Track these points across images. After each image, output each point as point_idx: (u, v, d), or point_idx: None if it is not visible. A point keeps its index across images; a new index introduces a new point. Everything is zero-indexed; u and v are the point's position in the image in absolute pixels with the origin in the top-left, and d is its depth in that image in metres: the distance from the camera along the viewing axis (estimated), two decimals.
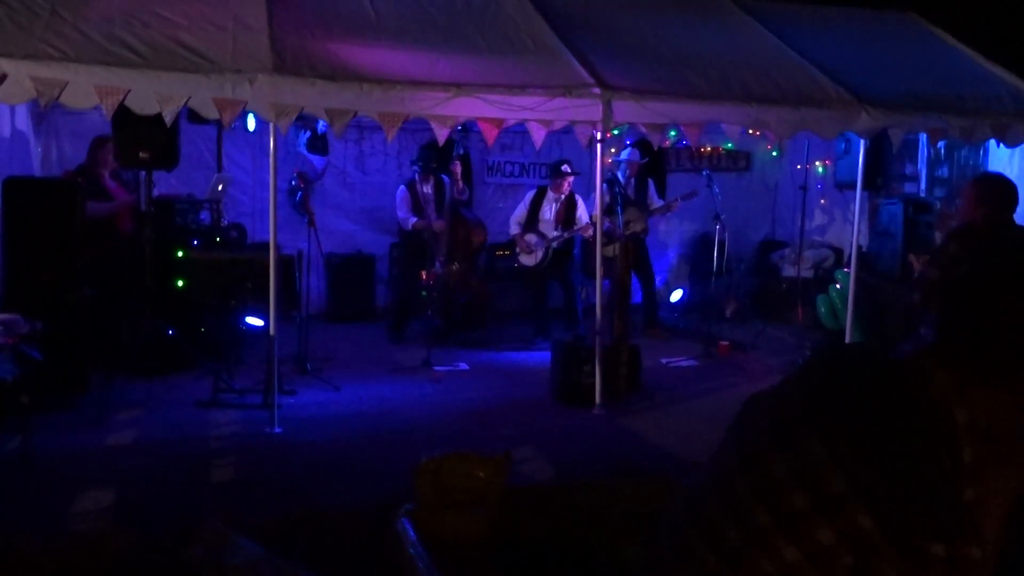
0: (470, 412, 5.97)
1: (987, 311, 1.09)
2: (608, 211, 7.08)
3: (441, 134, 5.60)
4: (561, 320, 8.08)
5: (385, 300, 9.04)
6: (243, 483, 4.55)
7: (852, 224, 8.58)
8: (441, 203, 7.75)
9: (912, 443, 1.05)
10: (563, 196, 7.93)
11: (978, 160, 7.85)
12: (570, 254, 8.11)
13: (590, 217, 7.77)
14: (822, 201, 9.52)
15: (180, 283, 6.39)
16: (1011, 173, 6.88)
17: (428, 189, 7.82)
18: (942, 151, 8.12)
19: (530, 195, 8.11)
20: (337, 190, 9.11)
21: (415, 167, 7.89)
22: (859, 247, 6.63)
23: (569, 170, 7.86)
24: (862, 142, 6.43)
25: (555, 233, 7.92)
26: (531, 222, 8.00)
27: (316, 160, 8.37)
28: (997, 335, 1.07)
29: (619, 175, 7.65)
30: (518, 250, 8.09)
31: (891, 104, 6.06)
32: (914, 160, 8.52)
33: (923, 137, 7.73)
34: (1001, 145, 6.43)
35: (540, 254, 7.94)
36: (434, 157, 7.65)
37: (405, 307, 8.04)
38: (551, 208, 7.95)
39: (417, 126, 6.90)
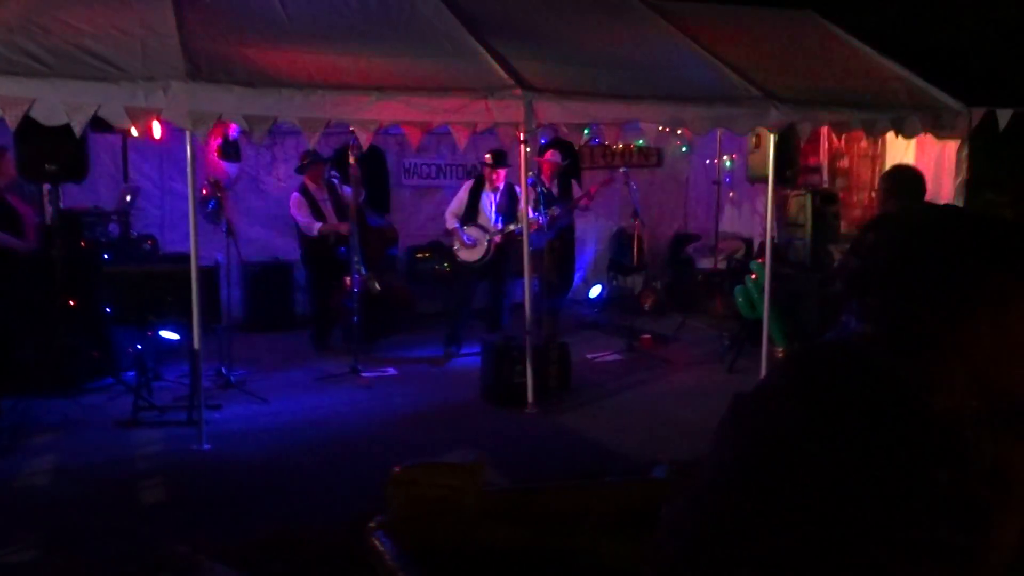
0: (403, 418, 5.93)
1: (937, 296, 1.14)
2: (534, 209, 7.07)
3: (364, 139, 5.54)
4: (480, 321, 7.92)
5: (304, 307, 8.87)
6: (178, 504, 4.40)
7: (760, 215, 8.91)
8: (337, 206, 7.59)
9: (899, 436, 1.11)
10: (501, 187, 7.66)
11: (876, 151, 8.24)
12: (507, 252, 7.67)
13: (517, 215, 7.62)
14: (731, 194, 9.83)
15: (97, 299, 6.13)
16: (906, 161, 7.26)
17: (322, 192, 7.65)
18: (843, 142, 8.49)
19: (467, 186, 7.76)
20: (250, 197, 8.89)
21: (302, 173, 7.71)
22: (772, 238, 6.87)
23: (494, 161, 7.61)
24: (772, 136, 6.65)
25: (499, 227, 7.61)
26: (470, 215, 7.64)
27: (228, 167, 8.14)
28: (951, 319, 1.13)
29: (542, 178, 7.65)
30: (456, 246, 7.64)
31: (798, 100, 6.32)
32: (816, 152, 8.88)
33: (824, 129, 8.06)
34: (899, 136, 6.78)
35: (483, 249, 7.62)
36: (321, 159, 7.53)
37: (325, 315, 7.88)
38: (491, 200, 7.65)
39: (332, 130, 6.78)
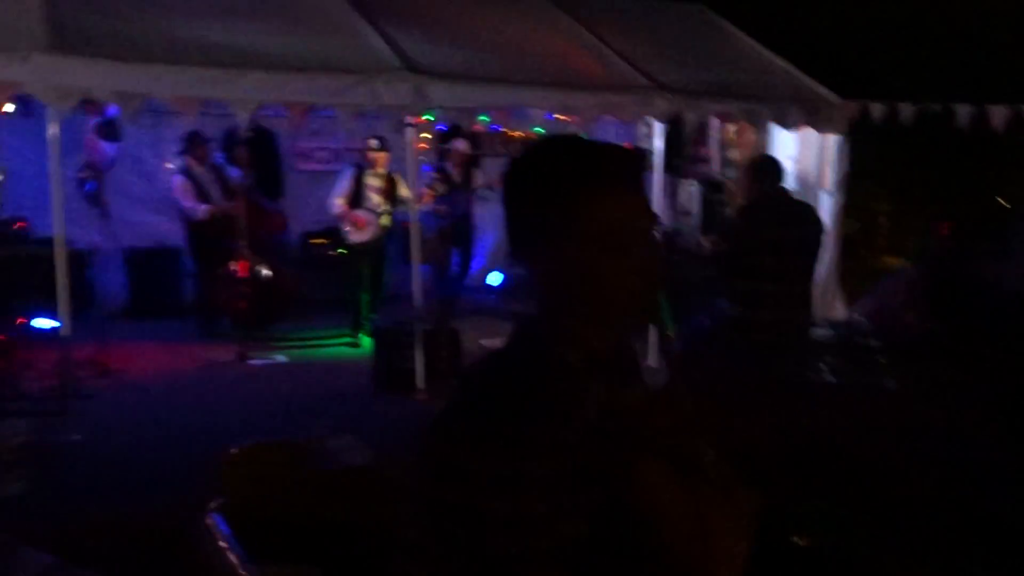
0: (288, 405, 5.80)
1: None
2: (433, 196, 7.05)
3: (243, 119, 5.37)
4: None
5: (193, 294, 8.58)
6: (41, 495, 4.19)
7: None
8: (224, 188, 7.36)
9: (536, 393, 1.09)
10: (382, 172, 7.47)
11: (765, 142, 8.49)
12: (389, 236, 7.65)
13: (405, 200, 7.55)
14: None
15: None
16: (790, 154, 7.51)
17: (207, 174, 7.41)
18: (733, 134, 8.72)
19: (350, 172, 7.53)
20: (133, 179, 8.51)
21: (182, 156, 7.45)
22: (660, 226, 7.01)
23: (379, 145, 7.44)
24: (660, 125, 6.78)
25: (382, 209, 7.43)
26: (357, 199, 7.44)
27: (107, 147, 7.79)
28: None
29: (447, 166, 7.59)
30: (347, 227, 7.46)
31: (685, 89, 6.45)
32: (706, 143, 9.10)
33: (715, 121, 8.27)
34: (781, 127, 7.00)
35: (372, 229, 7.44)
36: (204, 140, 7.33)
37: (212, 301, 7.63)
38: (375, 185, 7.45)
39: (220, 111, 6.56)
